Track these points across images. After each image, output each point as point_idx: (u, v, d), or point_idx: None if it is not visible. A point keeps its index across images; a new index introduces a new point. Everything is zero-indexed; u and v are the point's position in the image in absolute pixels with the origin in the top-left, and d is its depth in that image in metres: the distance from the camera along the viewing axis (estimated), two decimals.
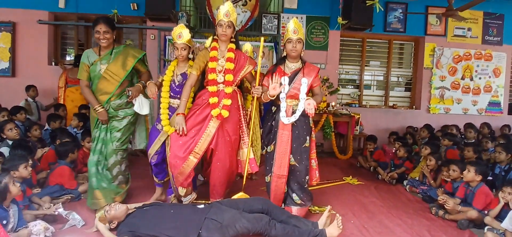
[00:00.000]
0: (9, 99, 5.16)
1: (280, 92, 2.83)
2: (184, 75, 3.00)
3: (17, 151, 3.07)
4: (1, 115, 4.15)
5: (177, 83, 3.00)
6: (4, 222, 2.27)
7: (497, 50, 6.52)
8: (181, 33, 2.93)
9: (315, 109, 2.72)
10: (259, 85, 2.96)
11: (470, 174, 3.16)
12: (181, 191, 2.94)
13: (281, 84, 2.81)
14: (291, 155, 2.86)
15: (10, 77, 5.61)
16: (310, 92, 2.96)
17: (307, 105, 2.72)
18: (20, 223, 2.38)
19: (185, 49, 2.96)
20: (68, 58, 6.02)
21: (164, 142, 3.02)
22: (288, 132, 2.83)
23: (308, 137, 2.90)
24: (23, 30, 5.59)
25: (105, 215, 2.47)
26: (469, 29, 6.42)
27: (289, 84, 2.85)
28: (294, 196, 2.93)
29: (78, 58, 5.41)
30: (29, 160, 2.92)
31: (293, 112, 2.85)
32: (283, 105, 2.85)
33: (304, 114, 2.83)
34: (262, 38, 2.95)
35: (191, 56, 3.10)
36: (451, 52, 6.41)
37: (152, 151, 3.06)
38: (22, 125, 4.35)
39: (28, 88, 5.16)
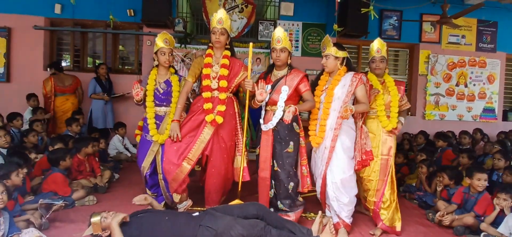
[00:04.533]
0: (4, 105, 5.11)
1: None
2: (168, 82, 3.02)
3: (12, 159, 3.02)
4: None
5: (161, 91, 3.01)
6: None
7: (491, 57, 6.58)
8: (166, 39, 2.95)
9: (294, 114, 2.70)
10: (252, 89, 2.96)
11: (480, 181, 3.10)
12: (176, 197, 2.93)
13: (266, 91, 2.84)
14: (274, 160, 2.89)
15: (5, 83, 5.56)
16: (301, 98, 2.97)
17: (287, 113, 2.70)
18: (11, 229, 2.35)
19: (171, 54, 2.99)
20: (64, 64, 5.97)
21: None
22: (269, 136, 2.88)
23: (291, 142, 2.88)
24: (19, 35, 5.56)
25: (101, 222, 2.42)
26: (463, 37, 6.48)
27: (271, 91, 2.88)
28: (279, 203, 2.95)
29: (57, 64, 5.28)
30: (24, 167, 2.87)
31: None
32: (262, 112, 2.93)
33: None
34: (251, 44, 2.97)
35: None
36: (446, 59, 6.47)
37: (146, 164, 3.04)
38: (18, 132, 4.32)
39: (29, 97, 5.07)
